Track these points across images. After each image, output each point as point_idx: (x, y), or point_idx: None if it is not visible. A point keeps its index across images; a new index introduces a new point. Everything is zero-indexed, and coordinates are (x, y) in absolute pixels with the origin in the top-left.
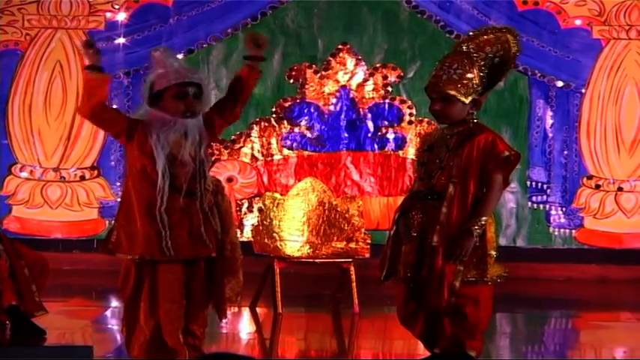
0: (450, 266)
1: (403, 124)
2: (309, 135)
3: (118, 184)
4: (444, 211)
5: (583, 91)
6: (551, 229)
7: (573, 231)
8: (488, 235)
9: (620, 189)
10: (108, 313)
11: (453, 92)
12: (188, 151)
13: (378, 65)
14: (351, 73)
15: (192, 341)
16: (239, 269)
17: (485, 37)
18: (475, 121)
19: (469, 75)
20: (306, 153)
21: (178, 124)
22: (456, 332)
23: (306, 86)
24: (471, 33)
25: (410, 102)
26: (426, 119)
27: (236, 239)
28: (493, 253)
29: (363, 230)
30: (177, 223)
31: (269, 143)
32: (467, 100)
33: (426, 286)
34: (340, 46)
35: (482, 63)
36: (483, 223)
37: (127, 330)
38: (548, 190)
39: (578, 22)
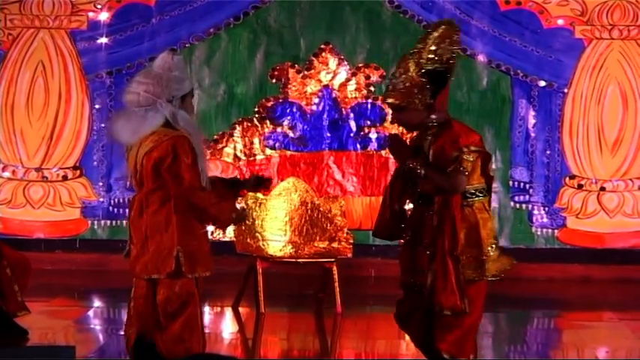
0: (449, 264)
1: (385, 124)
2: (291, 135)
3: (101, 184)
4: (431, 215)
5: (565, 90)
6: (533, 229)
7: (556, 231)
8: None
9: (602, 189)
10: (90, 313)
11: (390, 100)
12: None
13: (360, 65)
14: (333, 72)
15: None
16: None
17: (429, 36)
18: (435, 123)
19: (411, 80)
20: (288, 153)
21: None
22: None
23: (289, 86)
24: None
25: None
26: None
27: None
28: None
29: (345, 230)
30: None
31: (251, 143)
32: (413, 104)
33: (431, 290)
34: (323, 46)
35: (424, 63)
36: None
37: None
38: (531, 190)
39: (560, 21)
